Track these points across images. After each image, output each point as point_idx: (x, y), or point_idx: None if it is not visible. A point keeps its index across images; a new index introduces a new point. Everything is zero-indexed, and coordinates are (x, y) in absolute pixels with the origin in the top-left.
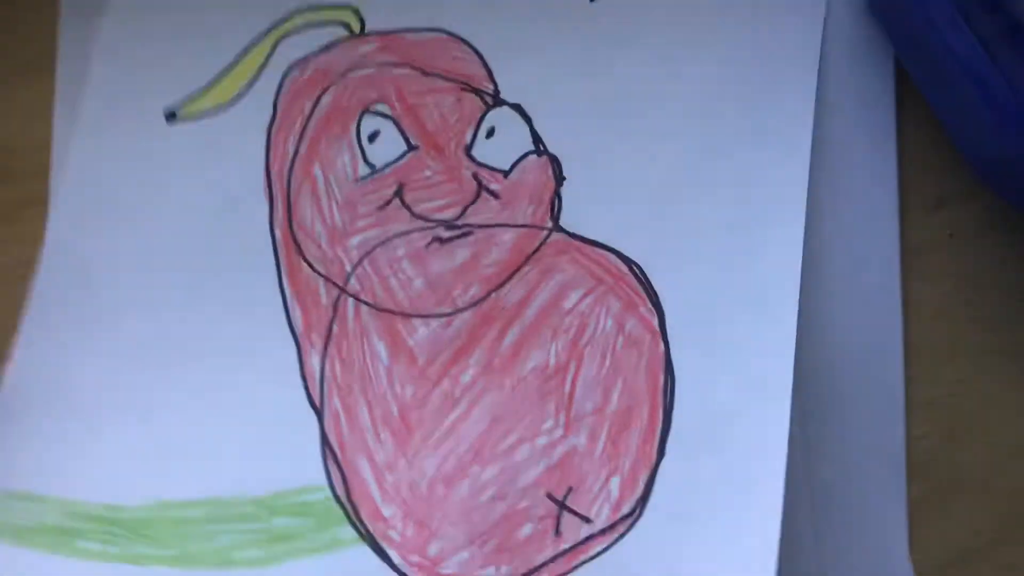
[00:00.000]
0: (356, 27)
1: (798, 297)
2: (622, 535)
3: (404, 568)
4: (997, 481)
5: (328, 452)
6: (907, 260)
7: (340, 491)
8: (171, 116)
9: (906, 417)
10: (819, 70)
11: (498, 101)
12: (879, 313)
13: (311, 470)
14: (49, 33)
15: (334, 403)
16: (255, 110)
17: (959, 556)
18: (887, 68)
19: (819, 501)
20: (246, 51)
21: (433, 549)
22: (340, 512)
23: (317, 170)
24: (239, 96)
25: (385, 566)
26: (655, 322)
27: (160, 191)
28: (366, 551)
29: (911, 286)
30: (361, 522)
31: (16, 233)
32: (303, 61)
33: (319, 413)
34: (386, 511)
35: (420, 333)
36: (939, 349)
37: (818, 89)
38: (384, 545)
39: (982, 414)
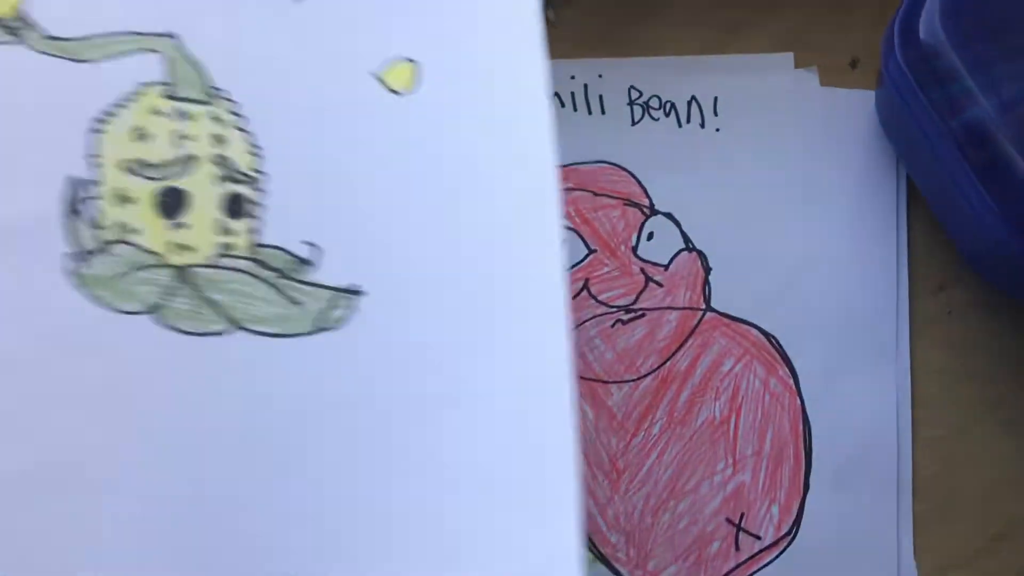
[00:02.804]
0: None
1: (895, 361)
2: (784, 549)
3: None
4: (984, 505)
5: None
6: (915, 330)
7: None
8: None
9: (912, 452)
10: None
11: (653, 211)
12: (896, 371)
13: None
14: None
15: None
16: None
17: (953, 562)
18: (898, 179)
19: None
20: None
21: (651, 565)
22: None
23: None
24: None
25: None
26: (792, 382)
27: None
28: (603, 570)
29: (918, 350)
30: (595, 547)
31: None
32: None
33: None
34: (612, 538)
35: (615, 395)
36: (940, 399)
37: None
38: (616, 565)
39: (973, 452)
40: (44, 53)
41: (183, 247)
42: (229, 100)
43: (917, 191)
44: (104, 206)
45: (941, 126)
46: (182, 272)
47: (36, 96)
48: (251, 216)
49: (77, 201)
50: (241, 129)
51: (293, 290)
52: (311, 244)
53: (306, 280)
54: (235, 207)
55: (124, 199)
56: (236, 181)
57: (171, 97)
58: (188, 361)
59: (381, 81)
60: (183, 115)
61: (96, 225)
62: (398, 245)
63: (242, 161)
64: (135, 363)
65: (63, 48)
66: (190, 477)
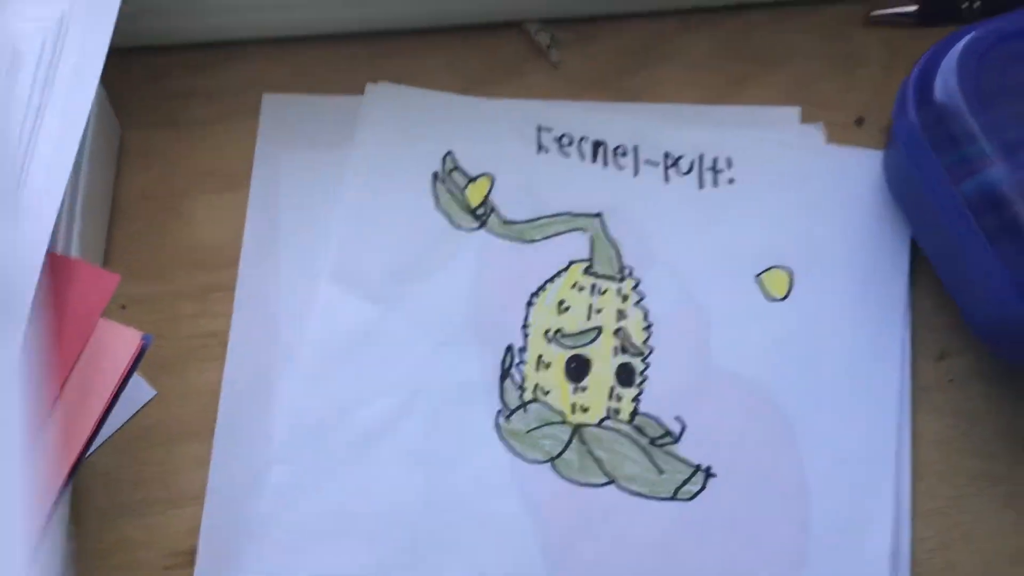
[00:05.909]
0: None
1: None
2: None
3: None
4: None
5: None
6: (915, 398)
7: None
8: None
9: (911, 523)
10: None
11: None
12: (891, 439)
13: None
14: (247, 157)
15: None
16: None
17: None
18: (904, 243)
19: None
20: None
21: None
22: None
23: None
24: None
25: None
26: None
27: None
28: None
29: (918, 419)
30: None
31: (206, 311)
32: None
33: None
34: None
35: None
36: (939, 470)
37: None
38: None
39: (973, 525)
40: (500, 236)
41: (581, 408)
42: (634, 279)
43: (920, 254)
44: (528, 370)
45: (953, 189)
46: (577, 430)
47: (494, 274)
48: (636, 386)
49: (512, 366)
50: (639, 306)
51: (659, 459)
52: (679, 419)
53: (671, 452)
54: (626, 376)
55: (543, 364)
56: (629, 353)
57: (589, 273)
58: (575, 506)
59: (760, 284)
60: (597, 290)
61: (519, 386)
62: (752, 436)
63: (636, 336)
64: (536, 505)
65: (515, 231)
66: None
